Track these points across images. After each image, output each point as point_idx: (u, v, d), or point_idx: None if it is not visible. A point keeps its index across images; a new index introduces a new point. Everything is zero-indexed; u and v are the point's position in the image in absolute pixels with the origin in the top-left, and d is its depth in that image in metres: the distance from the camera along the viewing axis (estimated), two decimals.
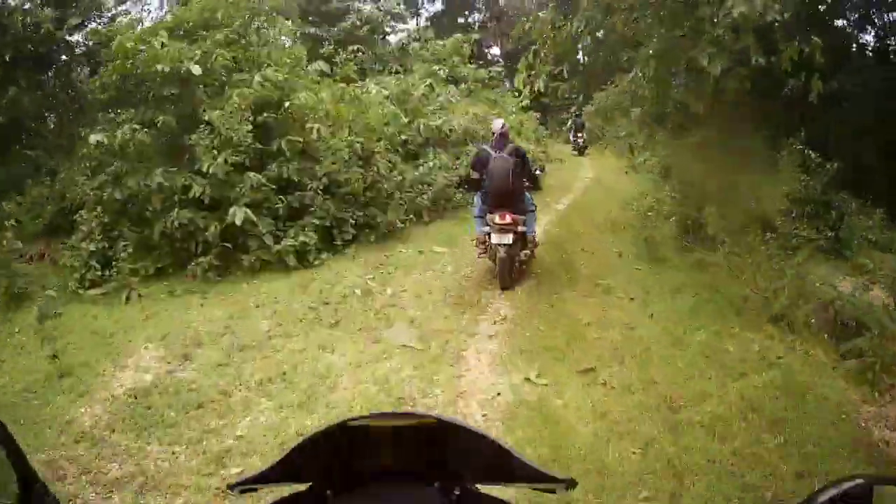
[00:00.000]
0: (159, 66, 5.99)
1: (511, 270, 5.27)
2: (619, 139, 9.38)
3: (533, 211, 5.48)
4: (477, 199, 5.49)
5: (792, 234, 5.93)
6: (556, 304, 5.07)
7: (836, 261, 6.58)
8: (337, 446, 0.73)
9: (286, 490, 0.77)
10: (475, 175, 5.33)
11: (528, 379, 3.75)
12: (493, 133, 5.34)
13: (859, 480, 0.64)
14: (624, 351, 4.14)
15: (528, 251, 5.37)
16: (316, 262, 6.01)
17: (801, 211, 6.62)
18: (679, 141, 6.72)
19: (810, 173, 7.05)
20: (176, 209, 5.75)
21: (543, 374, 3.81)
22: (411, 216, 7.29)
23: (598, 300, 5.21)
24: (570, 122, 15.95)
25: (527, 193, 5.40)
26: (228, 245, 5.82)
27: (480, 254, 5.53)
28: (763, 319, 4.61)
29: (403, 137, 8.47)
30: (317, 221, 6.21)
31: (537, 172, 6.01)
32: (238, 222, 5.69)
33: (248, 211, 5.77)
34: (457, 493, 0.76)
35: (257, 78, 6.36)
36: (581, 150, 15.22)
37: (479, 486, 0.78)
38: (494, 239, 5.09)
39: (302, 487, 0.77)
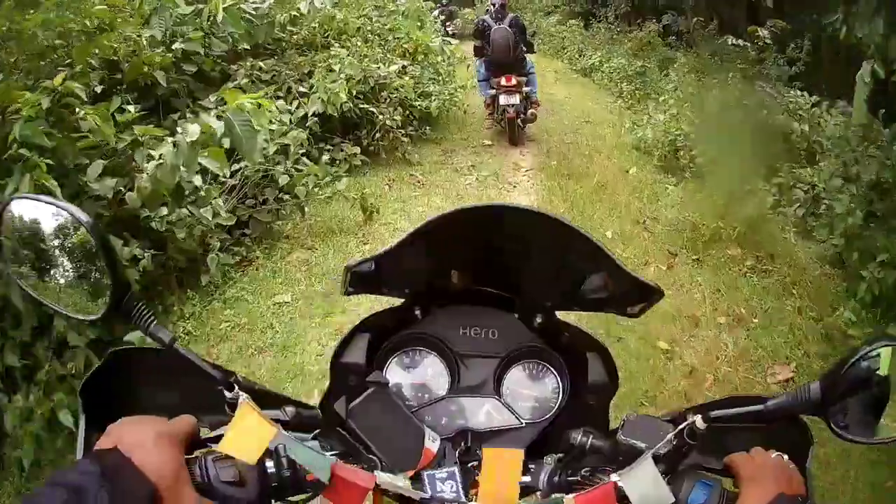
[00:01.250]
0: None
1: (518, 127, 6.04)
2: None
3: (533, 73, 6.16)
4: (480, 65, 6.18)
5: None
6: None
7: None
8: (431, 246, 0.70)
9: (383, 302, 0.80)
10: (477, 43, 6.00)
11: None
12: (493, 4, 5.93)
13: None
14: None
15: (533, 110, 6.10)
16: None
17: None
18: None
19: None
20: None
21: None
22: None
23: None
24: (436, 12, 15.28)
25: (526, 57, 6.05)
26: None
27: (489, 115, 6.30)
28: None
29: None
30: None
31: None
32: None
33: None
34: (539, 319, 0.77)
35: None
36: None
37: (558, 313, 0.78)
38: (502, 100, 5.81)
39: (395, 302, 0.79)
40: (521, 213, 0.66)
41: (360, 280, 0.72)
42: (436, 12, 14.42)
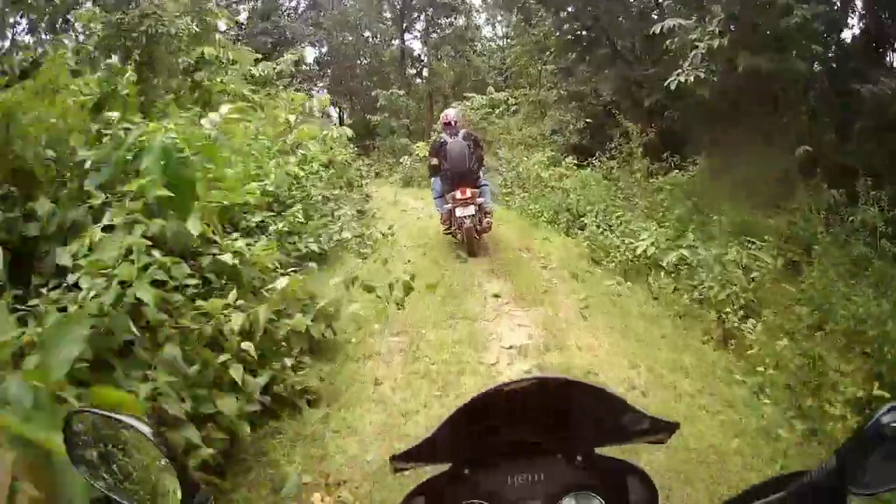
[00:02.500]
0: None
1: (474, 238, 6.09)
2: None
3: (486, 185, 6.41)
4: (436, 183, 6.38)
5: None
6: None
7: None
8: (475, 419, 0.76)
9: (429, 470, 0.85)
10: (434, 161, 6.22)
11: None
12: (446, 122, 6.25)
13: None
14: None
15: (488, 220, 6.26)
16: None
17: None
18: None
19: None
20: None
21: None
22: None
23: None
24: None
25: (480, 174, 6.33)
26: None
27: (446, 230, 6.39)
28: None
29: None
30: None
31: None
32: None
33: None
34: (579, 458, 0.84)
35: None
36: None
37: (597, 449, 0.85)
38: (458, 212, 5.92)
39: (443, 468, 0.84)
40: (557, 382, 0.76)
41: (407, 460, 0.79)
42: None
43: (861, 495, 0.59)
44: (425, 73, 20.47)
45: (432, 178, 6.46)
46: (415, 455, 0.78)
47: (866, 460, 0.59)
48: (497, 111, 12.75)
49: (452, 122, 6.20)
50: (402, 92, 17.48)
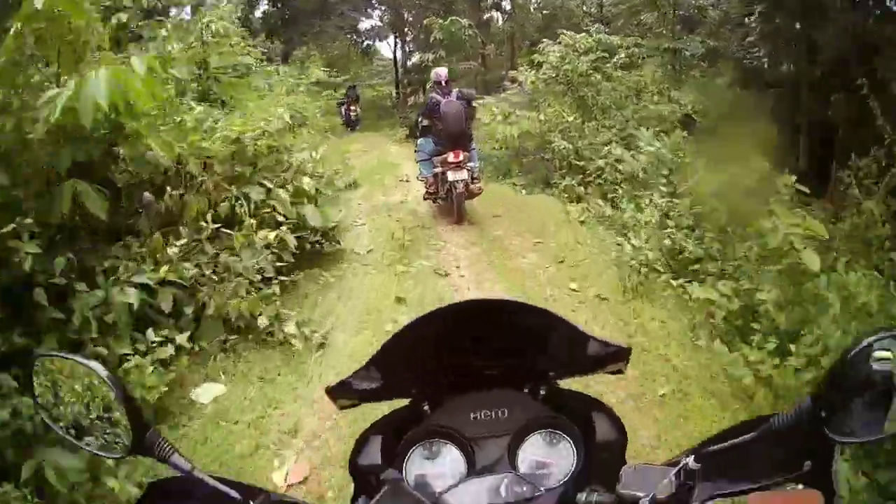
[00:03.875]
0: None
1: (464, 205, 5.92)
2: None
3: (475, 148, 6.15)
4: (425, 144, 6.12)
5: None
6: None
7: None
8: (426, 343, 0.75)
9: (385, 407, 0.83)
10: (425, 122, 5.99)
11: None
12: (437, 80, 5.95)
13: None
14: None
15: (478, 184, 6.05)
16: None
17: None
18: None
19: None
20: None
21: None
22: None
23: None
24: (344, 94, 14.31)
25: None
26: None
27: (428, 196, 6.16)
28: None
29: None
30: None
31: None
32: None
33: None
34: (543, 392, 0.82)
35: None
36: (352, 125, 14.18)
37: (559, 381, 0.84)
38: (451, 176, 5.70)
39: (399, 403, 0.82)
40: (497, 304, 0.75)
41: (352, 394, 0.78)
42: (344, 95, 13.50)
43: (841, 443, 0.57)
44: (506, 4, 15.50)
45: (420, 140, 6.22)
46: (361, 391, 0.77)
47: (846, 402, 0.57)
48: (614, 59, 8.55)
49: (444, 81, 5.92)
50: (466, 22, 12.50)
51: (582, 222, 5.90)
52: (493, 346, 0.79)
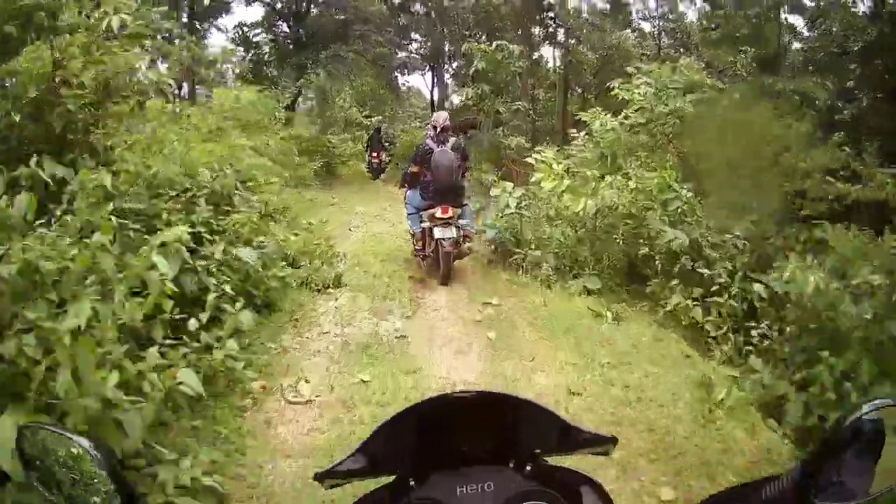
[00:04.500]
0: None
1: (451, 265, 5.24)
2: None
3: (468, 205, 5.44)
4: (413, 197, 5.53)
5: None
6: None
7: None
8: (414, 429, 0.79)
9: (372, 484, 0.84)
10: (414, 169, 5.41)
11: None
12: (435, 126, 5.39)
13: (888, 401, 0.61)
14: None
15: (468, 244, 5.34)
16: None
17: None
18: None
19: None
20: None
21: None
22: None
23: None
24: (366, 138, 12.98)
25: (465, 186, 5.44)
26: None
27: (417, 252, 5.55)
28: None
29: None
30: None
31: None
32: None
33: None
34: (530, 467, 0.83)
35: None
36: (375, 174, 12.41)
37: (547, 458, 0.85)
38: (438, 233, 5.11)
39: (385, 480, 0.83)
40: (492, 397, 0.79)
41: (340, 477, 0.79)
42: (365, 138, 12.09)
43: None
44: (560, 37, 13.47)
45: (408, 191, 5.65)
46: (347, 469, 0.77)
47: (833, 469, 0.59)
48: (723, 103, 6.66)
49: (442, 127, 5.33)
50: (515, 49, 10.57)
51: (730, 408, 3.24)
52: (480, 432, 0.81)
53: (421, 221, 5.34)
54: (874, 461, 0.59)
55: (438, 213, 5.06)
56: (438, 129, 5.32)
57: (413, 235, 5.57)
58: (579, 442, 0.80)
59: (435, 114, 5.84)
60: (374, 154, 12.23)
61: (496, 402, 0.79)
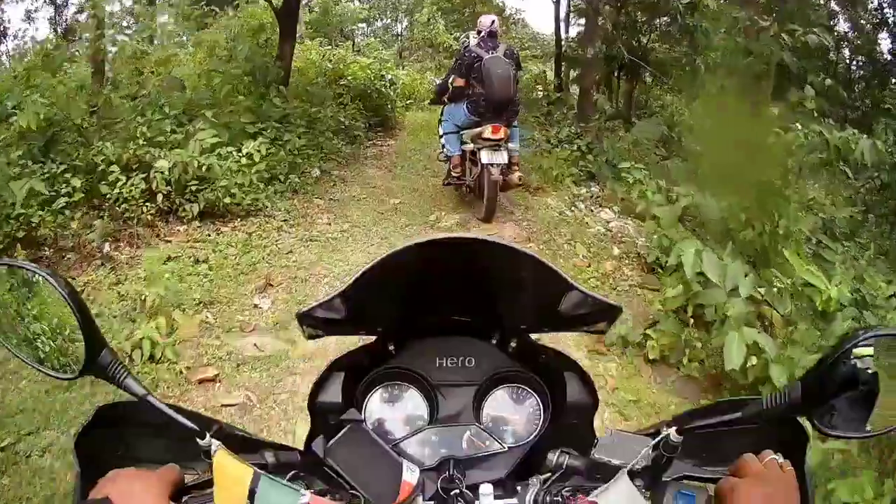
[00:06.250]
0: None
1: (497, 197, 4.48)
2: None
3: (517, 126, 4.62)
4: (455, 111, 4.64)
5: None
6: None
7: None
8: (397, 280, 0.68)
9: (351, 342, 0.81)
10: (459, 82, 4.54)
11: None
12: (480, 31, 4.53)
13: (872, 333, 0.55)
14: None
15: (518, 173, 4.55)
16: None
17: None
18: None
19: None
20: None
21: None
22: None
23: None
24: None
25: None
26: None
27: (451, 180, 4.80)
28: None
29: None
30: None
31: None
32: None
33: None
34: (513, 345, 0.78)
35: None
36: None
37: (532, 335, 0.79)
38: (485, 158, 4.34)
39: (367, 340, 0.79)
40: (488, 245, 0.66)
41: (320, 324, 0.73)
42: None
43: (826, 435, 0.55)
44: None
45: (450, 105, 4.72)
46: (328, 321, 0.73)
47: (833, 395, 0.55)
48: None
49: (492, 32, 4.47)
50: None
51: None
52: (467, 288, 0.73)
53: (462, 143, 4.58)
54: (871, 394, 0.54)
55: (488, 132, 4.26)
56: (493, 33, 4.46)
57: (449, 160, 4.75)
58: (580, 314, 0.70)
59: (482, 17, 4.81)
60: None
61: (492, 252, 0.63)
